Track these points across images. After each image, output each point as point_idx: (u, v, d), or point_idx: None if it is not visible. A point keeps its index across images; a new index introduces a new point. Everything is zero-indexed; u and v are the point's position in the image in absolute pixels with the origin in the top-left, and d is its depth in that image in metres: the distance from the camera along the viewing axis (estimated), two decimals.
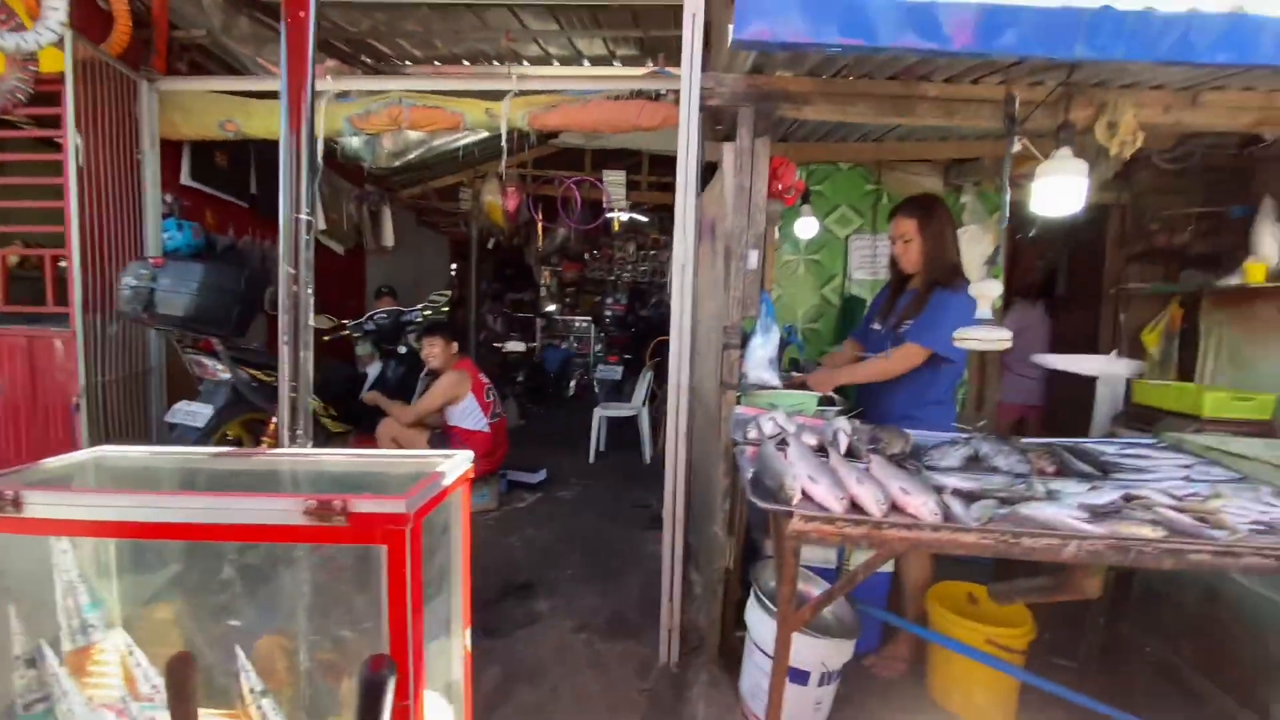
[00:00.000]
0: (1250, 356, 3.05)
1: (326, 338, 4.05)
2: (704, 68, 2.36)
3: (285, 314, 1.16)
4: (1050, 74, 1.93)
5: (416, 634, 0.52)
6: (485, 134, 4.67)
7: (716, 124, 2.88)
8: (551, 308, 8.52)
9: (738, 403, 2.20)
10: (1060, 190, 1.81)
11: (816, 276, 3.50)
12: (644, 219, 7.03)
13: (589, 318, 7.48)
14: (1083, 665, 2.17)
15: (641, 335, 6.84)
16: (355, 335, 3.96)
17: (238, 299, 2.96)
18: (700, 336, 3.04)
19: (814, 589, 2.19)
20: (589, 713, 2.09)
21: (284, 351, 1.15)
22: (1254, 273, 2.82)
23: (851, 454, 1.75)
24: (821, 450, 1.74)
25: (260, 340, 4.30)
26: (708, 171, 2.54)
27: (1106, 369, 1.98)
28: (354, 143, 4.30)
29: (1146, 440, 2.05)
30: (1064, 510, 1.43)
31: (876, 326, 2.41)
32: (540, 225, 7.23)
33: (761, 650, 2.00)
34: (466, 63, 5.60)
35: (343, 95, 3.54)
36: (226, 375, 3.04)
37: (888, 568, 2.39)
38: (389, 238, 6.10)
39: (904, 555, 2.22)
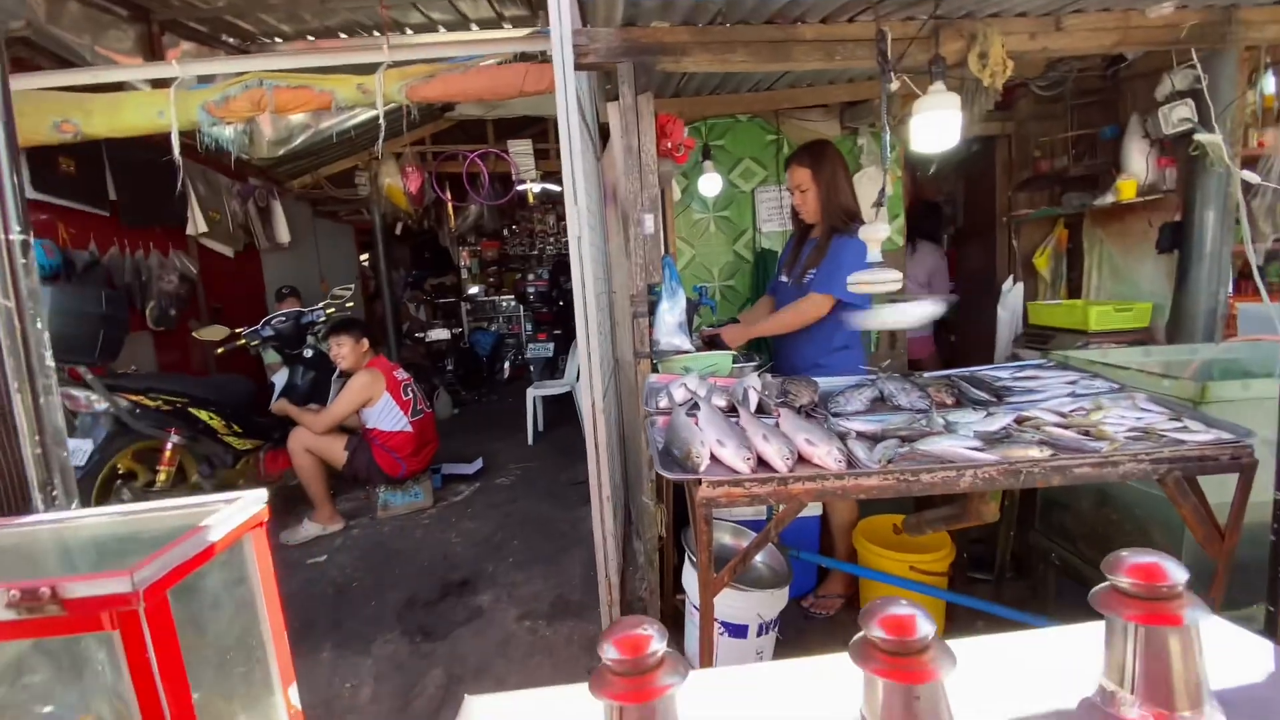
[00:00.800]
0: (1127, 269, 3.26)
1: (220, 350, 3.75)
2: (584, 24, 2.25)
3: (10, 356, 0.99)
4: (920, 8, 1.93)
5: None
6: (371, 112, 4.37)
7: (608, 84, 2.77)
8: (475, 289, 8.23)
9: (654, 370, 2.17)
10: (936, 125, 1.83)
11: (728, 233, 3.48)
12: (558, 188, 6.83)
13: (514, 296, 7.26)
14: (998, 577, 2.31)
15: (568, 309, 6.71)
16: (253, 344, 3.68)
17: (101, 321, 2.68)
18: (618, 306, 2.97)
19: (745, 543, 2.22)
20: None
21: (16, 401, 0.99)
22: (1125, 189, 2.98)
23: (763, 410, 1.75)
24: (734, 410, 1.73)
25: (149, 363, 3.95)
26: (609, 135, 2.44)
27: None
28: (222, 133, 3.92)
29: (1036, 361, 2.15)
30: (959, 441, 1.48)
31: (784, 279, 2.41)
32: (450, 204, 6.92)
33: (700, 611, 2.02)
34: (344, 35, 5.19)
35: (205, 80, 3.20)
36: (103, 405, 2.76)
37: (816, 511, 2.46)
38: (283, 234, 5.68)
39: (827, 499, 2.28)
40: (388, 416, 3.35)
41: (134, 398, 2.82)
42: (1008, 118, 3.76)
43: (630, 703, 0.48)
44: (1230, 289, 2.68)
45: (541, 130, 6.33)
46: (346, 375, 3.48)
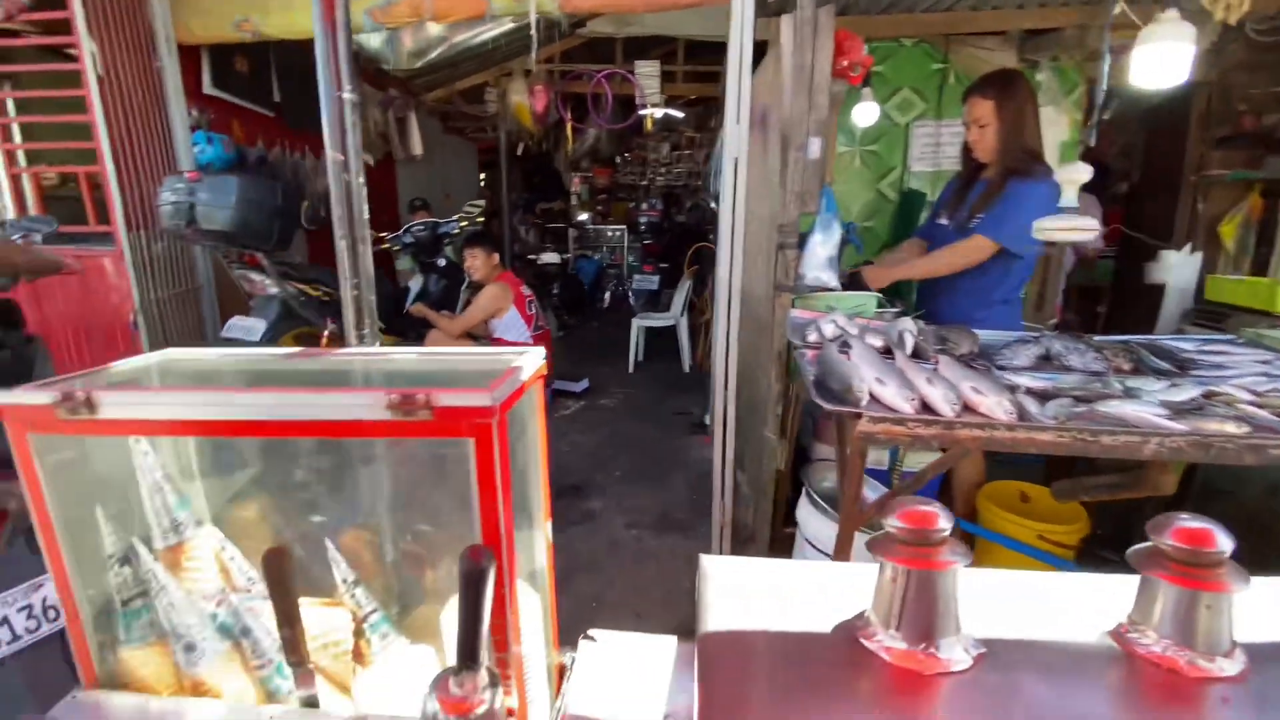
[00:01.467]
0: None
1: None
2: None
3: (339, 205, 1.10)
4: None
5: (508, 524, 0.53)
6: (510, 25, 4.36)
7: None
8: (583, 216, 8.31)
9: (793, 306, 2.14)
10: (1165, 58, 1.61)
11: (873, 170, 3.28)
12: (679, 115, 6.62)
13: (622, 226, 7.27)
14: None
15: (678, 242, 6.65)
16: (395, 249, 3.93)
17: (277, 212, 2.94)
18: (749, 237, 2.92)
19: (867, 490, 2.22)
20: (644, 600, 2.22)
21: (341, 247, 1.11)
22: None
23: (917, 355, 1.70)
24: (887, 352, 1.69)
25: (302, 256, 4.33)
26: (757, 54, 2.33)
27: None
28: (374, 41, 4.07)
29: (1225, 336, 1.94)
30: (1144, 408, 1.38)
31: (944, 221, 2.26)
32: (570, 126, 6.92)
33: (812, 545, 2.07)
34: None
35: None
36: (275, 290, 3.08)
37: None
38: (417, 146, 5.92)
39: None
40: (514, 328, 3.53)
41: (301, 286, 3.11)
42: (1213, 64, 3.24)
43: (916, 567, 0.51)
44: None
45: (669, 52, 6.12)
46: (476, 286, 3.67)
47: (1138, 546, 0.55)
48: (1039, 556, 2.08)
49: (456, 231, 3.89)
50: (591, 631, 0.71)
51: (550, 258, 6.39)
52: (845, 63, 1.94)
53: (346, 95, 1.14)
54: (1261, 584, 0.73)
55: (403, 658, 0.68)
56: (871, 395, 1.43)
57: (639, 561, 2.48)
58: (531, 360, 0.65)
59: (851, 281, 2.28)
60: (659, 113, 5.93)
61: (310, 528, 0.75)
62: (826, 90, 1.89)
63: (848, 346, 1.69)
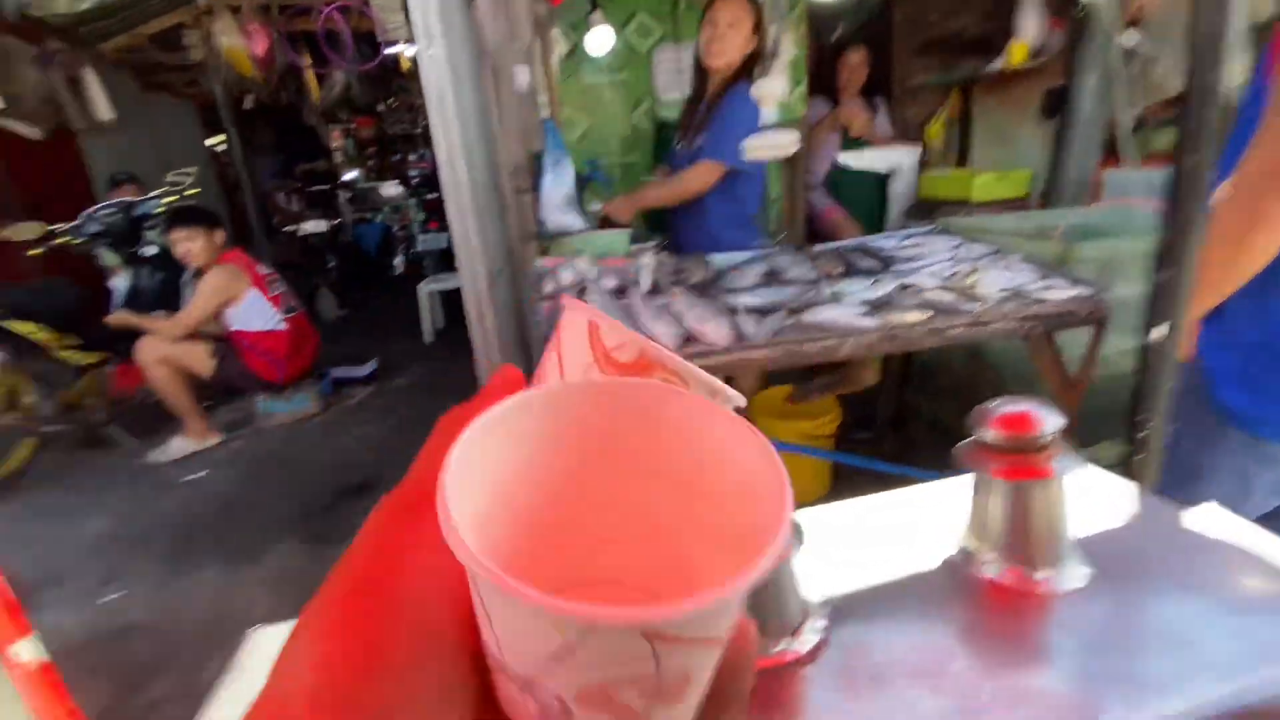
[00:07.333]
0: (1012, 136, 3.33)
1: (35, 251, 3.17)
2: None
3: None
4: None
5: None
6: None
7: None
8: (352, 175, 7.38)
9: (544, 253, 2.01)
10: None
11: (625, 100, 3.19)
12: None
13: (398, 181, 6.56)
14: (877, 434, 2.49)
15: None
16: (77, 242, 3.12)
17: None
18: (503, 183, 2.71)
19: None
20: None
21: None
22: (1016, 53, 2.96)
23: (657, 289, 1.68)
24: (624, 291, 1.65)
25: None
26: None
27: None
28: None
29: (923, 229, 2.18)
30: (845, 310, 1.48)
31: (680, 145, 2.24)
32: (310, 71, 5.97)
33: None
34: None
35: None
36: None
37: None
38: (104, 110, 4.71)
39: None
40: (257, 315, 3.02)
41: None
42: None
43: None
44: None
45: None
46: (201, 275, 3.07)
47: (962, 443, 0.52)
48: (803, 451, 2.27)
49: (161, 209, 3.18)
50: None
51: (314, 227, 5.60)
52: None
53: None
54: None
55: None
56: None
57: None
58: None
59: (605, 220, 2.20)
60: (410, 50, 5.30)
61: None
62: (526, 12, 1.71)
63: (586, 293, 1.62)
